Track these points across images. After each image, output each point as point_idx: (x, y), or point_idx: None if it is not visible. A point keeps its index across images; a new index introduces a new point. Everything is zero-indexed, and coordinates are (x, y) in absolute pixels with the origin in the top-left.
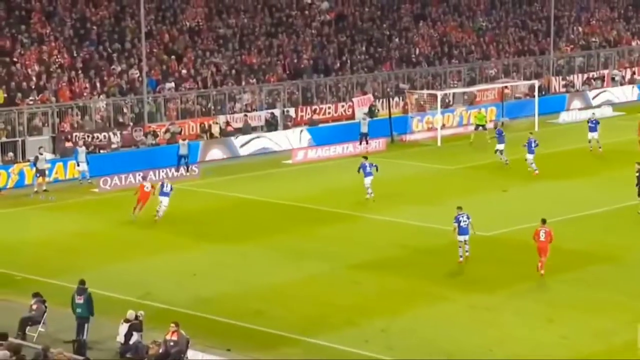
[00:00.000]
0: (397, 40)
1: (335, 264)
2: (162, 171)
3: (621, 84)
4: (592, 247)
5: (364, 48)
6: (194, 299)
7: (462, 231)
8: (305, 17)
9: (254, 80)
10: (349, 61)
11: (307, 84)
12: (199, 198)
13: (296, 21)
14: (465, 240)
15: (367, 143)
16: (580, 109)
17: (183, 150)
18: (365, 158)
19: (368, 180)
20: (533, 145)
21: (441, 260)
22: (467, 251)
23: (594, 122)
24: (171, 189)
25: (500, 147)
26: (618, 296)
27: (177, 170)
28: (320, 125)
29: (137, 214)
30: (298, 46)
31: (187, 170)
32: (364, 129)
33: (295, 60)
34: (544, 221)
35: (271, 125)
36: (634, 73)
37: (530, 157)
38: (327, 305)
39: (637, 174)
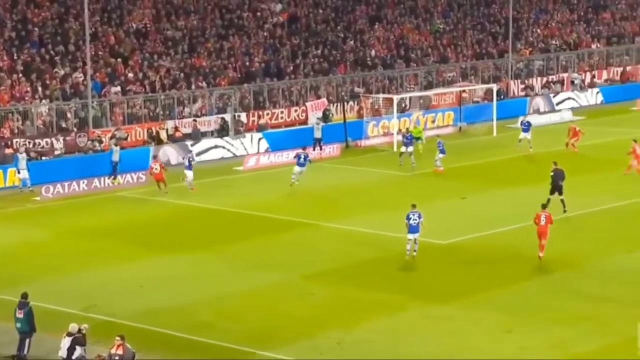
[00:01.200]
0: (351, 42)
1: (289, 274)
2: (107, 179)
3: (581, 88)
4: (551, 255)
5: (317, 51)
6: (141, 311)
7: (412, 229)
8: (257, 19)
9: (204, 84)
10: (302, 64)
11: (259, 88)
12: (147, 206)
13: (248, 23)
14: (414, 239)
15: (320, 149)
16: (541, 113)
17: (115, 157)
18: (304, 148)
19: (297, 169)
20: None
21: (398, 269)
22: (415, 250)
23: (526, 123)
24: (193, 160)
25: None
26: (578, 305)
27: (114, 178)
28: (271, 130)
29: (165, 189)
30: (250, 49)
31: (114, 177)
32: (318, 134)
33: (247, 63)
34: (544, 206)
35: (222, 130)
36: (593, 76)
37: (440, 156)
38: (280, 317)
39: (552, 174)
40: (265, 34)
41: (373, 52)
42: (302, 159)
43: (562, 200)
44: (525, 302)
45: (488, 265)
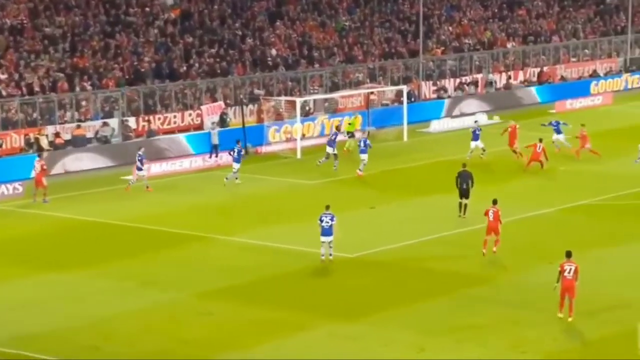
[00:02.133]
0: (250, 41)
1: (183, 292)
2: None
3: (496, 89)
4: (465, 268)
5: (213, 50)
6: (16, 336)
7: (325, 232)
8: (146, 15)
9: (88, 85)
10: (196, 64)
11: (150, 90)
12: (24, 220)
13: (136, 19)
14: (329, 242)
15: (217, 156)
16: (453, 117)
17: None
18: (238, 142)
19: (236, 165)
20: (363, 145)
21: (302, 286)
22: (330, 254)
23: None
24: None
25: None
26: (492, 321)
27: None
28: (162, 136)
29: (41, 198)
30: (138, 47)
31: None
32: (215, 139)
33: (136, 63)
34: (494, 202)
35: (109, 136)
36: (509, 77)
37: (364, 156)
38: (174, 340)
39: (457, 176)
40: (155, 31)
41: (274, 52)
42: (237, 154)
43: (465, 205)
44: (438, 319)
45: (399, 280)
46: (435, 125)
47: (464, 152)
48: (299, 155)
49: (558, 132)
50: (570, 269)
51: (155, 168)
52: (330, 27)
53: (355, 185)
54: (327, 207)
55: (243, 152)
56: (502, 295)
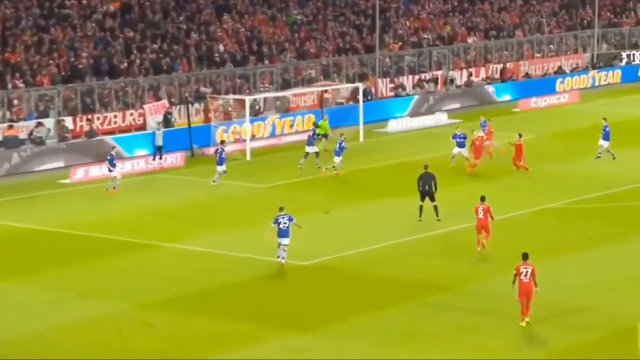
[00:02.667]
0: (195, 35)
1: (126, 303)
2: None
3: (457, 87)
4: (427, 276)
5: (156, 45)
6: None
7: (282, 233)
8: (83, 8)
9: (21, 83)
10: (138, 60)
11: (88, 88)
12: None
13: (72, 12)
14: (284, 245)
15: (160, 158)
16: (412, 116)
17: None
18: (222, 143)
19: (220, 168)
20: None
21: (252, 296)
22: (283, 258)
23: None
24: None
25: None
26: (452, 331)
27: None
28: (102, 136)
29: None
30: (75, 42)
31: None
32: (159, 141)
33: (73, 59)
34: (482, 198)
35: (44, 137)
36: (470, 74)
37: (337, 159)
38: (114, 353)
39: (419, 178)
40: (93, 25)
41: (221, 47)
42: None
43: (435, 207)
44: (396, 329)
45: (354, 289)
46: (393, 125)
47: (425, 153)
48: (248, 157)
49: (461, 145)
50: (527, 272)
51: (94, 171)
52: (281, 21)
53: (308, 188)
54: (281, 209)
55: (220, 153)
56: (463, 304)
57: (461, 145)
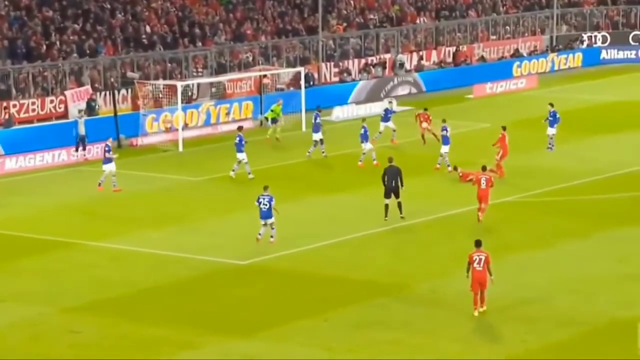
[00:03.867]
0: (121, 15)
1: (46, 307)
2: None
3: (407, 71)
4: (376, 276)
5: (77, 25)
6: None
7: (263, 215)
8: None
9: None
10: (58, 42)
11: (3, 73)
12: None
13: None
14: (270, 224)
15: (84, 149)
16: (357, 103)
17: None
18: (239, 128)
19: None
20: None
21: (186, 298)
22: (272, 236)
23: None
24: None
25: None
26: (404, 334)
27: None
28: (19, 126)
29: None
30: None
31: None
32: (81, 130)
33: None
34: (484, 168)
35: None
36: (421, 58)
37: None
38: None
39: (383, 173)
40: (6, 3)
41: (149, 28)
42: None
43: (399, 204)
44: (343, 333)
45: (297, 290)
46: (338, 113)
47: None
48: (180, 148)
49: (386, 119)
50: (480, 259)
51: (10, 163)
52: (214, 0)
53: (246, 182)
54: (265, 188)
55: (243, 141)
56: (414, 304)
57: (386, 120)
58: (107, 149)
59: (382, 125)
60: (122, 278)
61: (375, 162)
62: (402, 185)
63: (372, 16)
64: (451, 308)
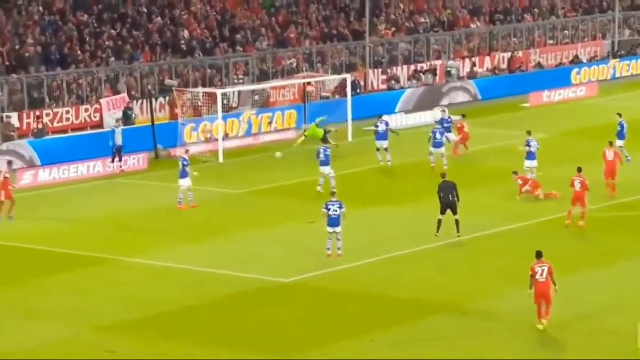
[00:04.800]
0: (159, 19)
1: (78, 326)
2: None
3: (459, 78)
4: (423, 295)
5: (114, 31)
6: None
7: (332, 222)
8: None
9: None
10: (92, 48)
11: (36, 80)
12: None
13: None
14: (337, 233)
15: (120, 160)
16: (407, 113)
17: None
18: (326, 142)
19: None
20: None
21: (225, 318)
22: (339, 249)
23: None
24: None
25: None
26: (454, 356)
27: None
28: (52, 136)
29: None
30: (20, 28)
31: None
32: (118, 140)
33: (18, 47)
34: (579, 169)
35: None
36: (474, 65)
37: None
38: None
39: (439, 189)
40: (40, 8)
41: (187, 33)
42: (322, 154)
43: (456, 222)
44: (390, 354)
45: (343, 308)
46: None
47: (422, 155)
48: (221, 159)
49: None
50: (543, 270)
51: (44, 175)
52: (257, 4)
53: (289, 195)
54: (333, 194)
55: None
56: (465, 323)
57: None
58: (184, 162)
59: (450, 136)
60: (158, 296)
61: (442, 165)
62: (458, 200)
63: (423, 20)
64: (504, 327)
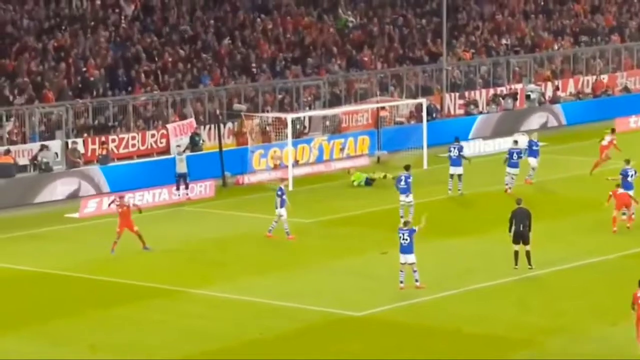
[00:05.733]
0: (228, 41)
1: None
2: None
3: (540, 103)
4: (502, 331)
5: (181, 51)
6: None
7: (404, 249)
8: (96, 9)
9: (23, 98)
10: (159, 71)
11: (101, 104)
12: None
13: (79, 12)
14: (410, 264)
15: (186, 187)
16: (485, 139)
17: None
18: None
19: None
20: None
21: (294, 352)
22: (416, 280)
23: (535, 143)
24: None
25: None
26: None
27: None
28: (118, 162)
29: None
30: (86, 50)
31: None
32: (181, 167)
33: (84, 69)
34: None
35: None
36: (557, 88)
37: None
38: None
39: (511, 216)
40: (111, 30)
41: (257, 55)
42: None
43: (527, 253)
44: None
45: (417, 344)
46: (464, 149)
47: (500, 183)
48: (290, 187)
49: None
50: None
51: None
52: (329, 22)
53: (361, 224)
54: (406, 223)
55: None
56: None
57: (514, 165)
58: (280, 192)
59: (532, 161)
60: (223, 329)
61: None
62: (530, 230)
63: (504, 41)
64: None
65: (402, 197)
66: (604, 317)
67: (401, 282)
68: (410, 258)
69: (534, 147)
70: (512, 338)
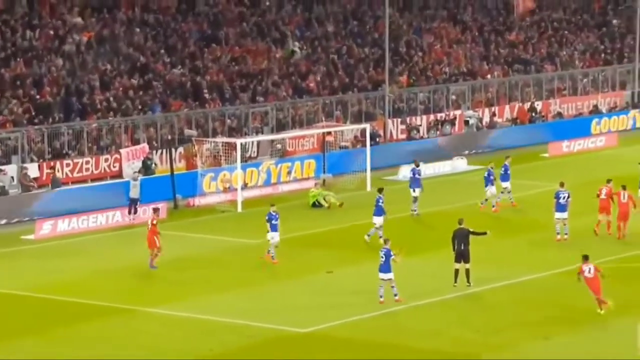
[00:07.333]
0: (179, 69)
1: None
2: None
3: (477, 129)
4: (444, 345)
5: (134, 80)
6: None
7: (381, 268)
8: (50, 38)
9: None
10: (111, 98)
11: (56, 130)
12: None
13: (37, 44)
14: (388, 280)
15: (135, 212)
16: (426, 162)
17: None
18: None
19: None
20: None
21: None
22: (395, 295)
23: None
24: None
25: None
26: None
27: None
28: (71, 186)
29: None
30: (41, 76)
31: None
32: (135, 193)
33: (37, 96)
34: (608, 181)
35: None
36: (494, 114)
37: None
38: None
39: (453, 236)
40: (60, 59)
41: (208, 81)
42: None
43: (466, 271)
44: None
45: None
46: (405, 172)
47: (445, 204)
48: (239, 209)
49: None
50: (590, 269)
51: (62, 226)
52: (277, 52)
53: (308, 244)
54: (386, 242)
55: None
56: None
57: (490, 183)
58: (269, 217)
59: (504, 184)
60: (174, 346)
61: (493, 208)
62: (482, 234)
63: (442, 69)
64: None
65: (375, 219)
66: (538, 331)
67: (381, 296)
68: (387, 275)
69: (508, 172)
70: (451, 352)
